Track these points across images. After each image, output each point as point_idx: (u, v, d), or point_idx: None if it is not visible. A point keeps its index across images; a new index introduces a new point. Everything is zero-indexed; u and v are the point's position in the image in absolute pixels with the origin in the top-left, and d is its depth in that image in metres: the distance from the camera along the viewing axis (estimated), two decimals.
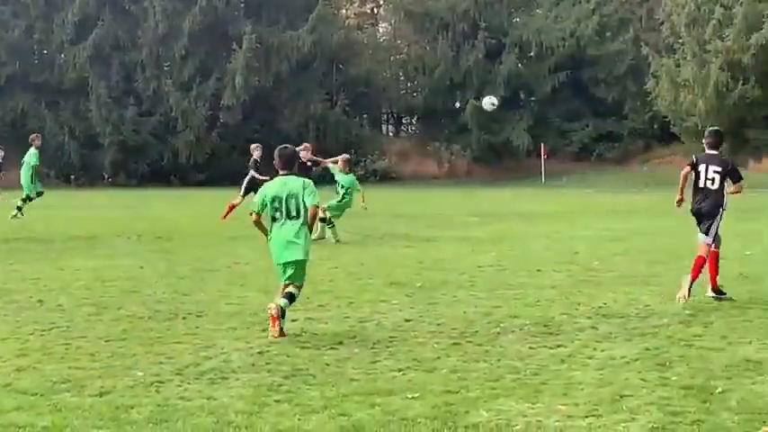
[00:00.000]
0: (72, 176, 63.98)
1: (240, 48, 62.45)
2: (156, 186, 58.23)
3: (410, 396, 8.91)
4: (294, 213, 12.10)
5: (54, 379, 9.66)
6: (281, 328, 11.76)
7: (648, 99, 63.34)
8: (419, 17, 70.84)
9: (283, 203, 12.10)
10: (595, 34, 67.62)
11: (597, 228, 27.14)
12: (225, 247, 22.49)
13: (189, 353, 10.88)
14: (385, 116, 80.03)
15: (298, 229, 12.14)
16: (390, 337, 11.75)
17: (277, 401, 8.83)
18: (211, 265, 19.02)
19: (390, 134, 79.11)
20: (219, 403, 8.77)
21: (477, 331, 12.04)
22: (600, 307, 13.79)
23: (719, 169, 14.41)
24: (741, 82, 57.77)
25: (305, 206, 12.07)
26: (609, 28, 69.11)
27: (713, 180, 14.40)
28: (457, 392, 9.05)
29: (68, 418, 8.28)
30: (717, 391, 9.00)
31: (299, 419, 8.22)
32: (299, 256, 12.27)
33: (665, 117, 62.10)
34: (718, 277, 14.57)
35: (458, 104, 70.72)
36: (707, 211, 14.46)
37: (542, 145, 60.95)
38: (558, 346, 11.10)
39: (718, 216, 14.50)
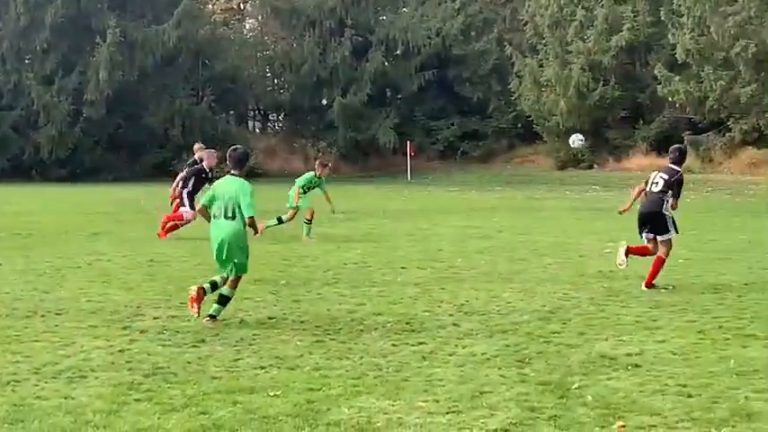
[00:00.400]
0: None
1: (104, 42, 61.45)
2: (16, 182, 56.92)
3: (272, 394, 8.91)
4: (230, 214, 12.64)
5: None
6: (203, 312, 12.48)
7: (512, 98, 64.18)
8: (286, 14, 70.57)
9: (222, 203, 12.65)
10: (461, 33, 68.12)
11: (461, 225, 27.41)
12: (86, 244, 22.16)
13: (47, 351, 10.71)
14: (251, 112, 79.56)
15: (231, 230, 12.64)
16: (254, 334, 11.73)
17: (137, 400, 8.75)
18: (72, 262, 18.73)
19: (257, 130, 78.69)
20: (77, 402, 8.65)
21: (340, 329, 12.09)
22: (462, 304, 13.95)
23: (666, 177, 15.45)
24: (601, 83, 58.96)
25: (240, 210, 12.61)
26: (474, 27, 69.71)
27: (657, 183, 15.45)
28: (319, 390, 9.08)
29: None
30: (573, 386, 9.18)
31: (158, 418, 8.16)
32: (235, 258, 12.69)
33: (529, 116, 62.97)
34: (655, 281, 15.49)
35: (324, 101, 70.64)
36: (649, 212, 15.46)
37: (408, 143, 61.24)
38: (420, 343, 11.20)
39: (667, 216, 15.38)
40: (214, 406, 8.52)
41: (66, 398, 8.79)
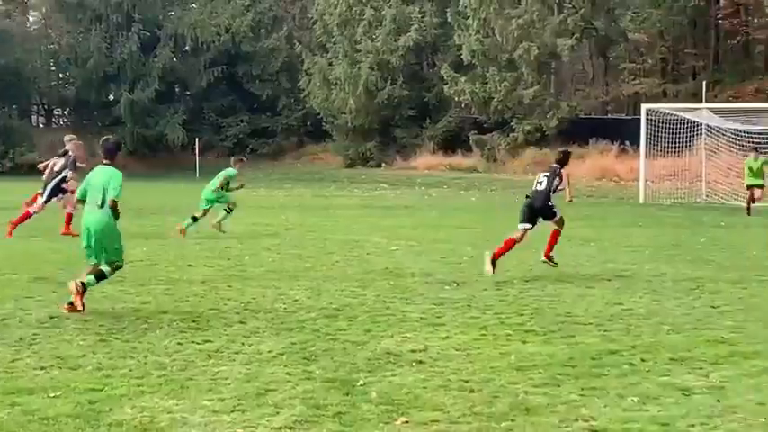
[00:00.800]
0: None
1: None
2: None
3: (52, 394, 8.70)
4: (99, 203, 13.06)
5: None
6: (82, 303, 12.81)
7: (302, 96, 64.53)
8: (71, 7, 69.09)
9: (93, 192, 13.06)
10: (250, 30, 68.12)
11: (249, 222, 27.35)
12: None
13: None
14: (35, 107, 77.70)
15: (99, 218, 13.04)
16: (34, 334, 11.43)
17: None
18: None
19: (41, 125, 76.86)
20: None
21: (124, 327, 11.90)
22: (249, 302, 13.91)
23: (548, 174, 17.52)
24: (390, 82, 59.78)
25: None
26: (263, 25, 69.80)
27: (541, 183, 17.46)
28: (101, 390, 8.91)
29: None
30: (359, 383, 9.25)
31: None
32: (105, 246, 13.16)
33: (318, 114, 63.42)
34: (552, 252, 17.59)
35: (111, 97, 69.54)
36: (538, 206, 17.31)
37: (197, 140, 60.79)
38: (206, 341, 11.12)
39: (553, 207, 17.37)
40: None
41: None
